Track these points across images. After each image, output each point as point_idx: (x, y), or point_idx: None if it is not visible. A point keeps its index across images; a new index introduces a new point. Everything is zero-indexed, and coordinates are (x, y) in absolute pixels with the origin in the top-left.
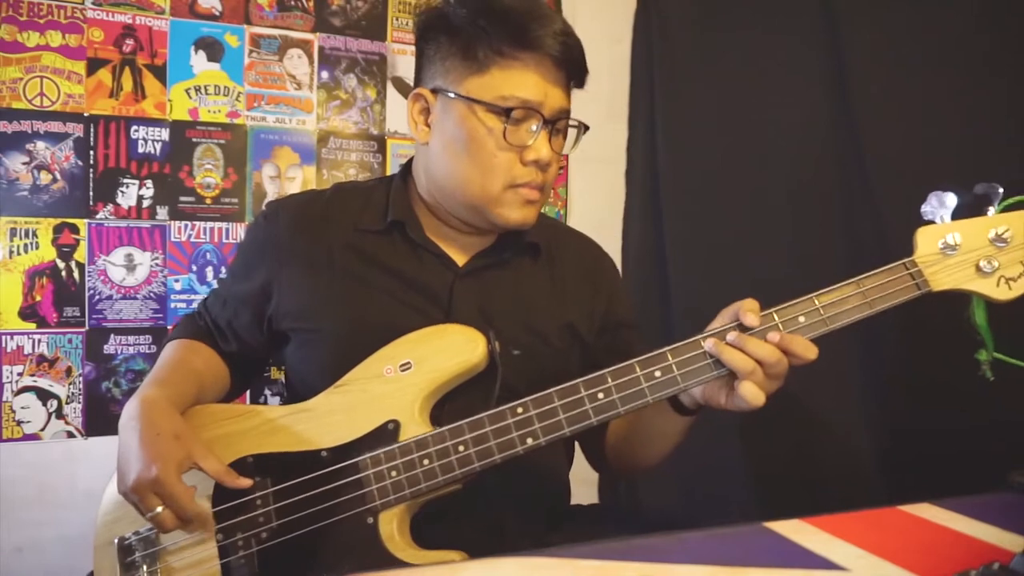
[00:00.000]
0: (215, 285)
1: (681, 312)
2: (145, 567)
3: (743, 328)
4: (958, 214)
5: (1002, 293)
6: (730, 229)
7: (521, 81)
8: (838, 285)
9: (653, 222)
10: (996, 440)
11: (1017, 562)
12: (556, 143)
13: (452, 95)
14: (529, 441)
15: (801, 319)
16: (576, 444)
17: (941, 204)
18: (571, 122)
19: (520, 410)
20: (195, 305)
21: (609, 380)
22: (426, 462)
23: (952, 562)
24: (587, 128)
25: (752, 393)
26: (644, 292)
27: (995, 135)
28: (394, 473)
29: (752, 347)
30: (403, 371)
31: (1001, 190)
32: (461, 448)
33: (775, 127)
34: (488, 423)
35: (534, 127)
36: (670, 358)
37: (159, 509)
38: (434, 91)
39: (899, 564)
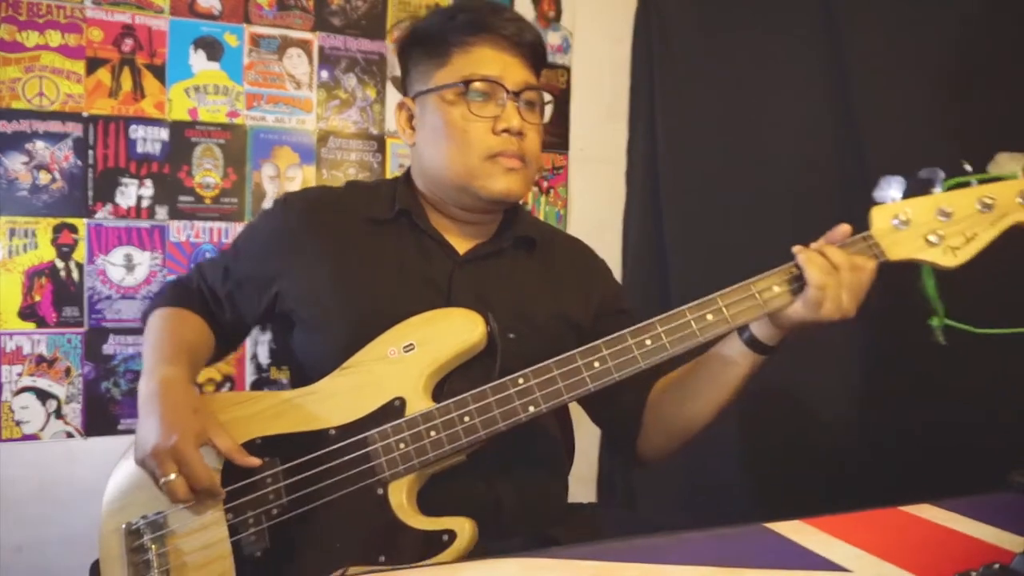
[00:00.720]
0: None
1: None
2: (154, 548)
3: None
4: (906, 197)
5: (949, 260)
6: (730, 229)
7: (479, 59)
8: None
9: (653, 222)
10: (997, 434)
11: (1017, 562)
12: (529, 115)
13: (425, 91)
14: (531, 409)
15: (776, 288)
16: (575, 444)
17: (891, 187)
18: (545, 96)
19: (521, 381)
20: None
21: (603, 349)
22: (433, 433)
23: (952, 562)
24: (554, 96)
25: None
26: (644, 292)
27: (995, 135)
28: (402, 445)
29: (829, 252)
30: (407, 352)
31: (942, 174)
32: (467, 419)
33: (775, 127)
34: (491, 394)
35: (501, 99)
36: (659, 327)
37: (173, 476)
38: (414, 97)
39: (899, 564)
